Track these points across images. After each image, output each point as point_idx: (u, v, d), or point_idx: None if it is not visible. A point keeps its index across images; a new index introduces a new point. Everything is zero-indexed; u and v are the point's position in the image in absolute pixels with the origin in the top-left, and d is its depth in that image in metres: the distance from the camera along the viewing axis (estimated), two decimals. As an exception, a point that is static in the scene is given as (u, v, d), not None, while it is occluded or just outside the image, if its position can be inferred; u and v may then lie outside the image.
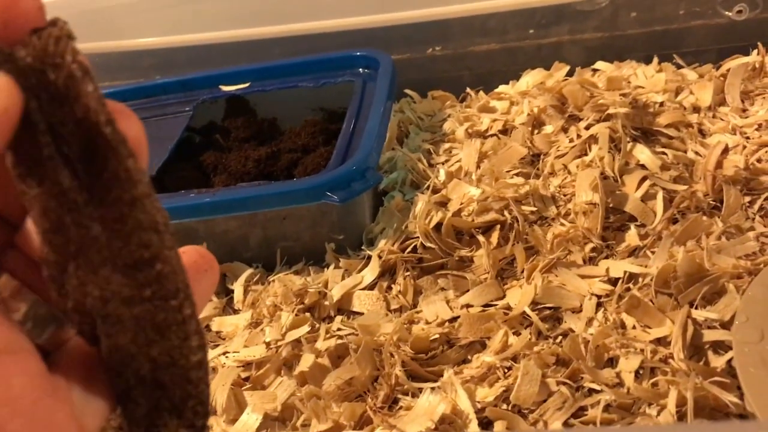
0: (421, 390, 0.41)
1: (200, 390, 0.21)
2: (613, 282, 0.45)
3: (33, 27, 0.18)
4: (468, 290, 0.47)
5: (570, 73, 0.65)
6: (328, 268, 0.52)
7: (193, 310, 0.20)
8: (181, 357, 0.20)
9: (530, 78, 0.65)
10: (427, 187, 0.53)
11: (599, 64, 0.64)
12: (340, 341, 0.45)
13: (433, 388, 0.41)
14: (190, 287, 0.20)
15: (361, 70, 0.64)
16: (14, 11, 0.19)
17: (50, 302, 0.23)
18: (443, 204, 0.51)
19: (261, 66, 0.66)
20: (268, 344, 0.46)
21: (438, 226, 0.49)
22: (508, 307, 0.46)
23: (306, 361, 0.43)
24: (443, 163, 0.56)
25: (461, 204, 0.50)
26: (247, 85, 0.66)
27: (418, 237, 0.49)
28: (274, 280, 0.52)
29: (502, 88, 0.66)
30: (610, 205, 0.49)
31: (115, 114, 0.19)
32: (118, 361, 0.20)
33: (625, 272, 0.44)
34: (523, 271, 0.47)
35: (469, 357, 0.44)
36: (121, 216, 0.19)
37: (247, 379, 0.45)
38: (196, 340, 0.20)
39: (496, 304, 0.46)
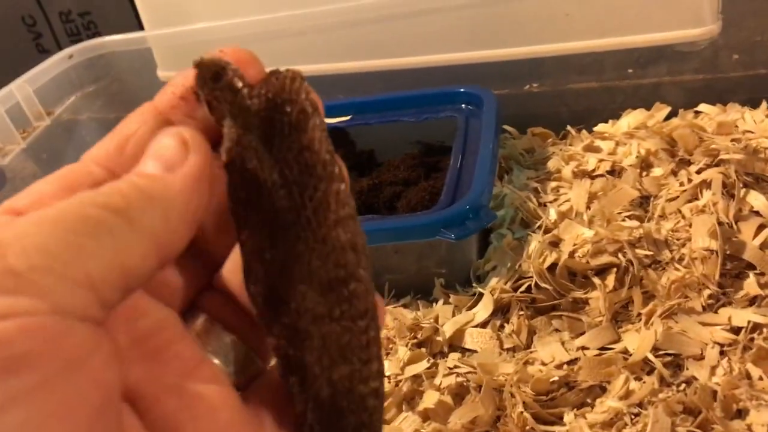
0: (545, 432, 0.41)
1: (374, 419, 0.21)
2: (735, 331, 0.45)
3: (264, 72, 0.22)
4: (583, 332, 0.47)
5: (670, 115, 0.65)
6: (436, 303, 0.53)
7: (377, 334, 0.21)
8: (360, 382, 0.20)
9: (631, 118, 0.65)
10: (539, 227, 0.53)
11: (703, 107, 0.64)
12: (459, 379, 0.45)
13: (558, 432, 0.41)
14: (376, 311, 0.21)
15: (463, 105, 0.65)
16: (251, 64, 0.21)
17: (245, 341, 0.24)
18: (555, 244, 0.52)
19: (363, 99, 0.68)
20: (388, 378, 0.46)
21: (552, 267, 0.50)
22: (626, 351, 0.46)
23: (430, 398, 0.44)
24: (552, 202, 0.56)
25: (574, 245, 0.51)
26: (348, 117, 0.67)
27: (531, 277, 0.50)
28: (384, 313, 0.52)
29: (602, 126, 0.66)
30: (727, 252, 0.49)
31: None
32: (301, 382, 0.21)
33: (748, 321, 0.44)
34: (638, 315, 0.47)
35: (589, 401, 0.44)
36: (325, 236, 0.20)
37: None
38: (375, 366, 0.21)
39: (613, 348, 0.46)
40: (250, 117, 0.21)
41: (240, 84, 0.21)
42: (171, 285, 0.22)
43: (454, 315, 0.51)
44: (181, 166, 0.20)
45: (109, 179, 0.21)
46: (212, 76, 0.21)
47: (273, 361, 0.23)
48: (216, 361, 0.22)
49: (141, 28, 0.94)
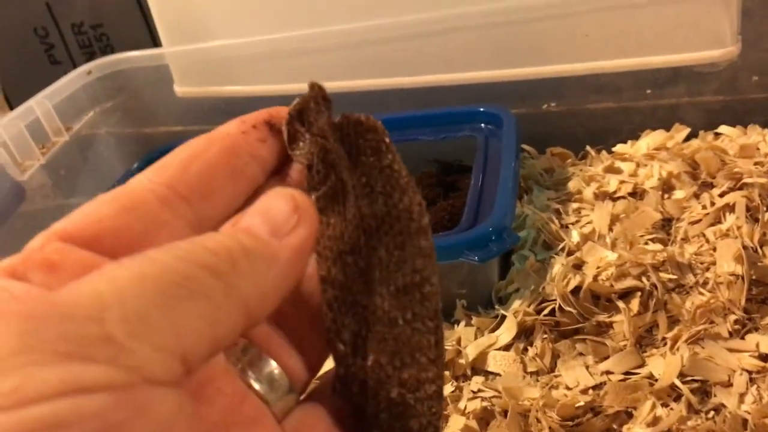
0: (572, 459, 0.41)
1: (437, 419, 0.22)
2: (763, 358, 0.44)
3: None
4: (608, 356, 0.47)
5: (689, 136, 0.65)
6: (458, 325, 0.52)
7: (443, 335, 0.22)
8: (426, 381, 0.21)
9: (650, 139, 0.65)
10: (561, 249, 0.53)
11: (723, 129, 0.64)
12: (483, 403, 0.45)
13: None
14: (441, 311, 0.22)
15: (482, 125, 0.65)
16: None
17: (284, 369, 0.23)
18: (578, 267, 0.51)
19: (381, 117, 0.67)
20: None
21: (575, 290, 0.50)
22: (651, 376, 0.45)
23: (456, 423, 0.43)
24: (574, 224, 0.56)
25: (598, 268, 0.50)
26: (367, 135, 0.67)
27: (554, 300, 0.49)
28: (405, 335, 0.52)
29: (620, 147, 0.66)
30: (753, 277, 0.48)
31: None
32: (375, 383, 0.21)
33: (776, 348, 0.44)
34: (663, 340, 0.47)
35: (615, 426, 0.43)
36: (404, 243, 0.22)
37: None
38: (441, 366, 0.22)
39: (638, 373, 0.46)
40: (331, 140, 0.22)
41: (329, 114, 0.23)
42: None
43: (476, 337, 0.50)
44: (288, 235, 0.19)
45: (173, 198, 0.20)
46: (299, 111, 0.23)
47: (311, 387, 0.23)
48: (259, 390, 0.22)
49: (153, 40, 0.94)
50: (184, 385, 0.16)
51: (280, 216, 0.19)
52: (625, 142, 0.67)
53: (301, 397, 0.24)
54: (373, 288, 0.22)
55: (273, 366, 0.23)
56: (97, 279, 0.16)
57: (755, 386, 0.43)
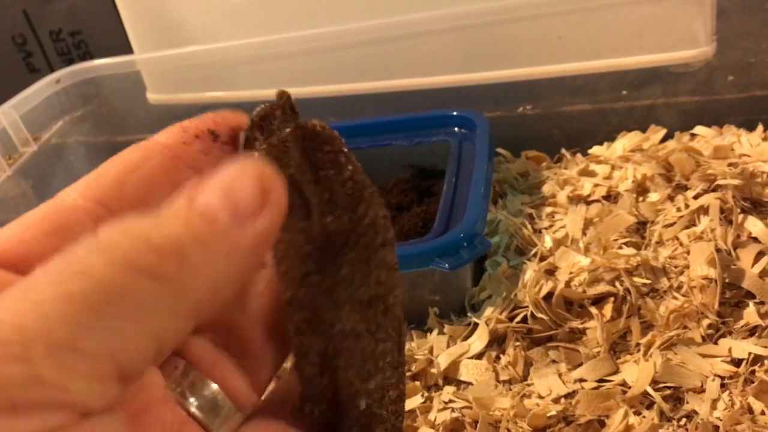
0: (543, 470, 0.40)
1: (400, 421, 0.22)
2: (736, 363, 0.44)
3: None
4: (580, 363, 0.46)
5: (666, 137, 0.64)
6: (430, 333, 0.51)
7: (404, 341, 0.23)
8: (390, 386, 0.22)
9: (626, 141, 0.64)
10: (534, 254, 0.52)
11: (699, 129, 0.63)
12: (454, 414, 0.44)
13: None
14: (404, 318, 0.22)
15: (456, 129, 0.64)
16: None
17: (227, 390, 0.23)
18: (551, 272, 0.51)
19: (354, 123, 0.67)
20: (381, 414, 0.45)
21: (548, 296, 0.49)
22: (624, 384, 0.45)
23: (424, 436, 0.43)
24: (547, 228, 0.55)
25: (570, 273, 0.50)
26: (340, 141, 0.66)
27: (527, 306, 0.49)
28: (377, 344, 0.51)
29: (596, 149, 0.65)
30: (726, 280, 0.48)
31: None
32: (345, 398, 0.21)
33: (749, 353, 0.43)
34: (637, 346, 0.46)
35: (587, 435, 0.43)
36: (368, 257, 0.21)
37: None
38: (402, 369, 0.22)
39: (611, 380, 0.45)
40: (293, 154, 0.22)
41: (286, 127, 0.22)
42: None
43: (448, 346, 0.50)
44: (253, 221, 0.17)
45: (106, 217, 0.19)
46: (262, 117, 0.22)
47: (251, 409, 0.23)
48: (199, 416, 0.21)
49: (132, 47, 0.93)
50: (123, 403, 0.15)
51: (245, 197, 0.17)
52: (601, 143, 0.66)
53: (252, 414, 0.23)
54: (338, 305, 0.21)
55: (214, 388, 0.22)
56: (22, 302, 0.14)
57: (727, 392, 0.42)
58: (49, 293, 0.14)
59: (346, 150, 0.22)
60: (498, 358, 0.48)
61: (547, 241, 0.53)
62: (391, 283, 0.22)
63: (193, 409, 0.21)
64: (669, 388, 0.44)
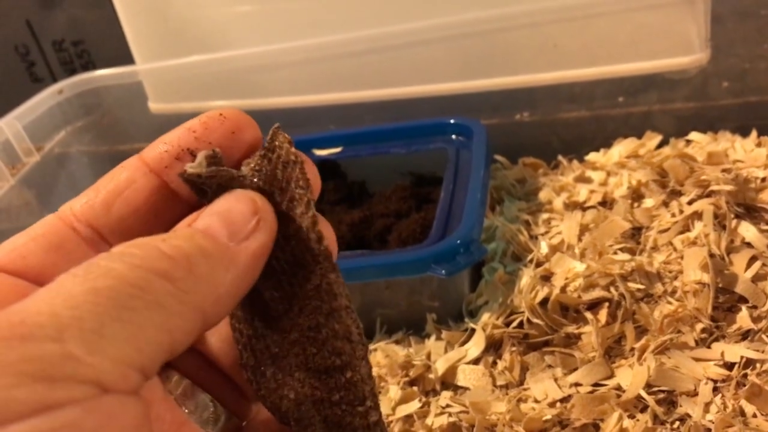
0: (538, 474, 0.41)
1: None
2: (729, 366, 0.44)
3: (259, 138, 0.22)
4: (576, 368, 0.47)
5: (662, 143, 0.65)
6: (428, 339, 0.52)
7: (380, 418, 0.21)
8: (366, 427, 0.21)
9: (622, 147, 0.65)
10: (530, 260, 0.53)
11: (694, 135, 0.64)
12: (451, 419, 0.45)
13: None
14: (377, 396, 0.21)
15: (453, 137, 0.65)
16: (240, 135, 0.21)
17: (220, 400, 0.23)
18: (547, 278, 0.51)
19: (353, 131, 0.68)
20: (379, 419, 0.46)
21: (544, 302, 0.49)
22: (619, 388, 0.45)
23: (421, 440, 0.43)
24: (543, 235, 0.56)
25: (566, 279, 0.50)
26: (339, 149, 0.67)
27: (523, 312, 0.49)
28: (376, 349, 0.52)
29: (592, 155, 0.66)
30: (720, 285, 0.48)
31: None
32: None
33: (741, 357, 0.44)
34: (631, 350, 0.47)
35: (582, 439, 0.43)
36: (318, 325, 0.20)
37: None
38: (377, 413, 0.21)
39: (606, 384, 0.46)
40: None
41: (234, 172, 0.20)
42: None
43: (446, 351, 0.50)
44: (247, 239, 0.19)
45: (96, 240, 0.21)
46: (209, 163, 0.20)
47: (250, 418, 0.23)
48: (196, 422, 0.22)
49: (133, 57, 0.94)
50: (142, 394, 0.17)
51: (240, 219, 0.19)
52: (598, 150, 0.67)
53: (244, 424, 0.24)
54: (292, 371, 0.21)
55: (208, 398, 0.23)
56: (53, 296, 0.16)
57: (720, 395, 0.43)
58: (79, 289, 0.16)
59: (298, 197, 0.20)
60: (495, 363, 0.49)
61: (543, 248, 0.54)
62: (348, 357, 0.20)
63: (188, 412, 0.22)
64: (663, 391, 0.44)
